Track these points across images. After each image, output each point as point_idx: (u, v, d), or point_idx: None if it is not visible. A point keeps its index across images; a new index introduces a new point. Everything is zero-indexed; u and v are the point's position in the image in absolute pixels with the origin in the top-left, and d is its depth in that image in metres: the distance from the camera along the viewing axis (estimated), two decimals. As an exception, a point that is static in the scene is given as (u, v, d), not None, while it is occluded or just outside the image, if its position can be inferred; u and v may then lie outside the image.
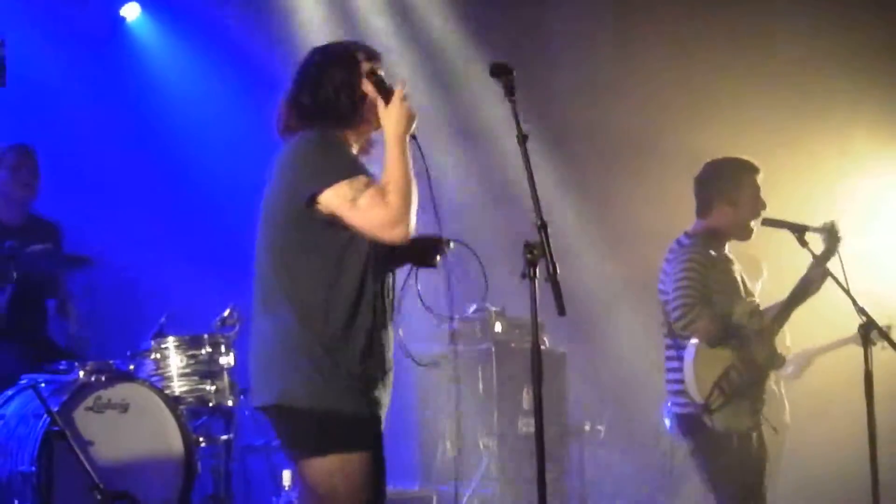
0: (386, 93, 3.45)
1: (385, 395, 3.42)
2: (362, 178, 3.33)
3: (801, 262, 4.77)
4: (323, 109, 3.46)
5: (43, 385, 4.90)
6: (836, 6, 7.91)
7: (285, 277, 3.35)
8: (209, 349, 5.57)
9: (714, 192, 4.86)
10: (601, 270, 8.08)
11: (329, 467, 3.30)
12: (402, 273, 3.56)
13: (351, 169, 3.34)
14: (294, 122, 3.50)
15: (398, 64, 7.52)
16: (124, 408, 5.01)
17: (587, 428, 7.14)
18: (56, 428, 4.58)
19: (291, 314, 3.32)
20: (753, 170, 4.88)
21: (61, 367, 5.21)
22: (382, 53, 3.57)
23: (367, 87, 3.48)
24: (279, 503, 5.93)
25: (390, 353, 3.44)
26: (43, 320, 5.76)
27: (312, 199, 3.31)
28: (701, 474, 4.84)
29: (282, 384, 3.33)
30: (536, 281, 3.21)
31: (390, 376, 3.44)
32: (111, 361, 5.25)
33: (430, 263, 3.56)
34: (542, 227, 3.22)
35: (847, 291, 4.46)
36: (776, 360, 4.81)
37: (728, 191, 4.84)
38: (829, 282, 4.63)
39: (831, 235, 4.68)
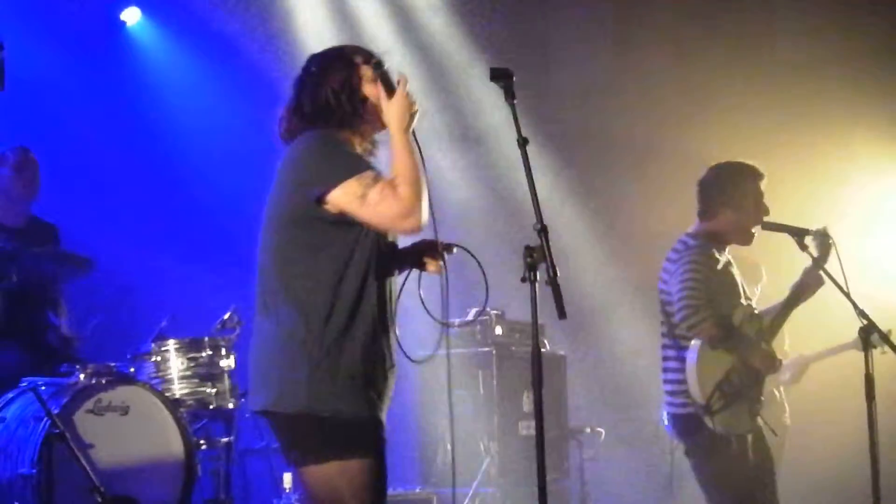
0: (389, 86, 3.46)
1: (386, 396, 3.41)
2: (370, 174, 3.32)
3: (800, 266, 4.78)
4: (324, 112, 3.46)
5: (43, 387, 4.90)
6: (836, 8, 7.91)
7: (289, 278, 3.35)
8: (210, 352, 5.57)
9: (717, 197, 4.86)
10: (601, 274, 8.08)
11: (328, 473, 3.29)
12: (402, 276, 3.56)
13: (357, 165, 3.34)
14: (295, 127, 3.50)
15: (398, 68, 7.52)
16: (125, 410, 5.01)
17: (587, 430, 7.14)
18: (56, 430, 4.59)
19: (292, 315, 3.31)
20: (757, 175, 4.87)
21: (62, 370, 5.21)
22: (383, 54, 3.57)
23: (368, 88, 3.49)
24: (279, 505, 5.94)
25: (392, 354, 3.44)
26: (44, 323, 5.76)
27: (321, 198, 3.31)
28: (697, 476, 4.84)
29: (279, 388, 3.32)
30: (537, 284, 3.21)
31: (392, 377, 3.44)
32: (111, 364, 5.26)
33: (432, 268, 3.56)
34: (543, 230, 3.22)
35: (847, 294, 4.45)
36: (773, 364, 4.82)
37: (731, 195, 4.83)
38: (829, 286, 4.63)
39: (823, 241, 4.69)
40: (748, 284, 5.28)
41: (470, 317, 5.76)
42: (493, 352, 6.86)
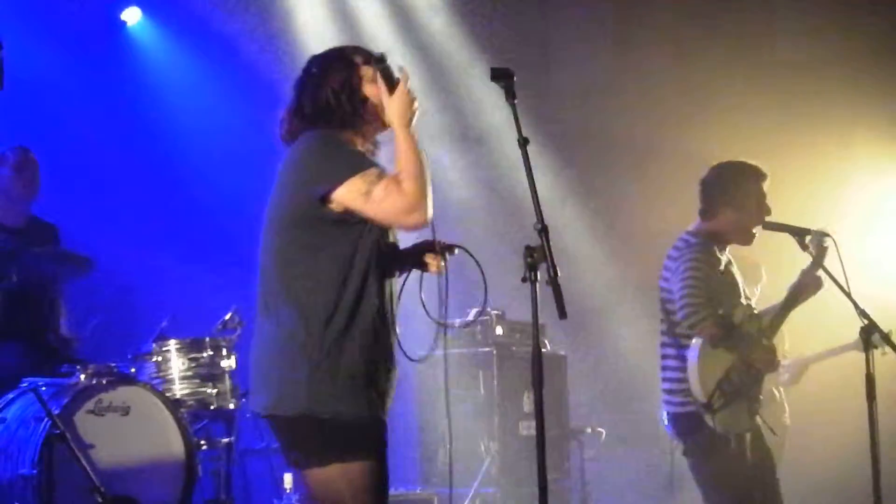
0: (390, 82, 3.46)
1: (388, 396, 3.41)
2: (374, 170, 3.33)
3: (800, 266, 4.77)
4: (324, 113, 3.46)
5: (44, 388, 4.90)
6: (836, 8, 7.91)
7: (289, 279, 3.35)
8: (210, 352, 5.57)
9: (719, 196, 4.85)
10: (602, 274, 8.09)
11: (330, 475, 3.29)
12: (403, 276, 3.56)
13: (360, 163, 3.35)
14: (296, 128, 3.50)
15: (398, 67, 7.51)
16: (125, 411, 5.01)
17: (588, 430, 7.15)
18: (57, 431, 4.59)
19: (293, 316, 3.31)
20: (760, 176, 4.87)
21: (62, 370, 5.21)
22: (384, 53, 3.57)
23: (369, 88, 3.49)
24: (280, 506, 5.94)
25: (394, 354, 3.43)
26: (44, 323, 5.75)
27: (325, 197, 3.30)
28: (695, 475, 4.84)
29: (279, 390, 3.32)
30: (537, 284, 3.21)
31: (393, 377, 3.43)
32: (112, 364, 5.26)
33: (433, 268, 3.56)
34: (543, 230, 3.22)
35: (848, 294, 4.45)
36: (772, 363, 4.82)
37: (733, 195, 4.83)
38: (829, 286, 4.62)
39: (819, 242, 4.69)
40: (748, 284, 5.28)
41: (470, 317, 5.77)
42: (494, 352, 6.87)
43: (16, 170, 5.64)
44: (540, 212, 3.24)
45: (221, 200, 7.32)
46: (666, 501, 6.86)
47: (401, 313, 3.48)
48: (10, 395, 5.03)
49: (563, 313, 3.15)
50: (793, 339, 6.65)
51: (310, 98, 3.49)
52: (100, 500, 4.42)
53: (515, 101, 3.36)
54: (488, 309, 6.91)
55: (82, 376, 5.03)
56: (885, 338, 4.45)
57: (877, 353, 4.43)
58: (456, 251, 3.58)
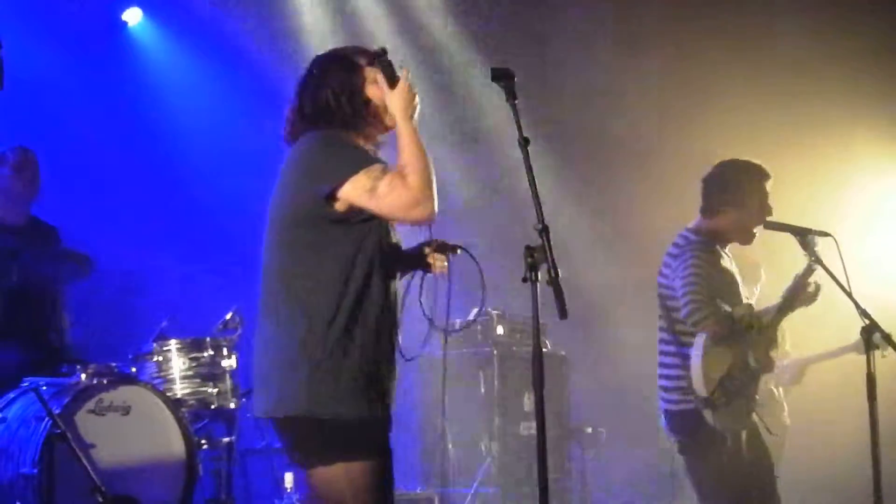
0: (392, 77, 3.46)
1: (390, 396, 3.41)
2: (377, 166, 3.33)
3: (800, 266, 4.77)
4: (324, 114, 3.47)
5: (44, 388, 4.90)
6: (836, 8, 7.91)
7: (290, 279, 3.35)
8: (211, 352, 5.58)
9: (721, 194, 4.85)
10: (603, 273, 8.08)
11: (332, 475, 3.29)
12: (405, 277, 3.56)
13: (363, 159, 3.35)
14: (298, 128, 3.50)
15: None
16: (126, 410, 5.02)
17: (589, 430, 7.15)
18: (58, 430, 4.59)
19: (293, 316, 3.31)
20: (763, 175, 4.87)
21: (63, 370, 5.21)
22: (384, 47, 3.57)
23: (372, 90, 3.49)
24: (280, 506, 5.94)
25: (395, 353, 3.43)
26: (45, 322, 5.76)
27: (330, 195, 3.30)
28: (691, 473, 4.83)
29: (279, 392, 3.31)
30: (538, 284, 3.21)
31: (395, 377, 3.43)
32: (113, 364, 5.26)
33: (436, 269, 3.56)
34: (544, 230, 3.22)
35: (849, 294, 4.45)
36: (769, 365, 4.83)
37: (735, 194, 4.83)
38: (830, 287, 4.62)
39: (809, 250, 4.70)
40: (747, 284, 5.28)
41: (470, 317, 5.77)
42: (495, 351, 6.88)
43: (16, 170, 5.65)
44: (540, 212, 3.23)
45: (222, 200, 7.32)
46: (666, 501, 6.86)
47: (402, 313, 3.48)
48: (11, 395, 5.04)
49: (563, 313, 3.15)
50: (794, 339, 6.65)
51: (310, 99, 3.50)
52: (100, 499, 4.42)
53: (516, 102, 3.36)
54: (489, 309, 6.93)
55: (83, 376, 5.03)
56: (887, 337, 4.45)
57: (877, 354, 4.43)
58: (458, 251, 3.58)
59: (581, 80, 8.49)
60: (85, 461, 4.54)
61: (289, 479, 5.90)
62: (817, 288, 4.78)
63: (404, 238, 3.56)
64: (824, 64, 7.76)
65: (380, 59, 3.49)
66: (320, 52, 3.62)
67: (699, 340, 4.65)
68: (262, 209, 3.48)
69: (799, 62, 7.88)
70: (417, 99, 3.48)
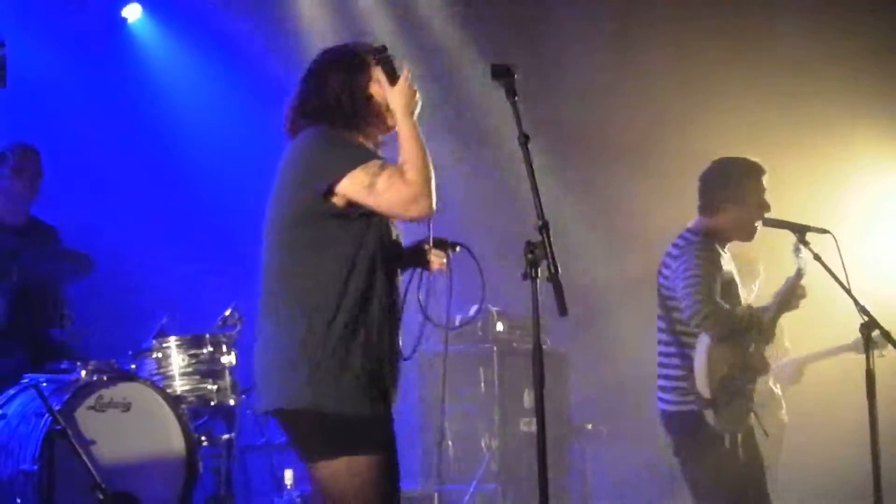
0: (392, 74, 3.46)
1: (393, 392, 3.41)
2: (376, 162, 3.33)
3: (794, 268, 4.78)
4: (325, 110, 3.46)
5: (45, 384, 4.90)
6: (836, 8, 7.91)
7: (290, 278, 3.34)
8: (211, 348, 5.57)
9: (719, 191, 4.85)
10: (603, 270, 8.09)
11: (336, 469, 3.29)
12: (406, 274, 3.56)
13: (362, 155, 3.34)
14: (299, 122, 3.50)
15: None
16: (126, 407, 5.02)
17: (589, 427, 7.15)
18: (58, 427, 4.58)
19: (293, 316, 3.31)
20: (760, 171, 4.87)
21: (63, 367, 5.21)
22: (385, 44, 3.57)
23: (375, 88, 3.49)
24: (280, 503, 5.93)
25: (398, 351, 3.43)
26: (45, 320, 5.76)
27: (329, 191, 3.30)
28: (688, 474, 4.82)
29: (287, 387, 3.30)
30: (538, 281, 3.21)
31: (398, 374, 3.43)
32: (113, 360, 5.26)
33: (436, 266, 3.56)
34: (544, 227, 3.21)
35: (849, 291, 4.45)
36: (767, 366, 4.84)
37: (734, 190, 4.82)
38: (830, 285, 4.62)
39: (797, 255, 4.72)
40: (745, 281, 5.28)
41: (470, 314, 5.77)
42: (495, 348, 6.88)
43: (16, 170, 5.64)
44: (541, 208, 3.23)
45: (222, 197, 7.33)
46: (667, 498, 6.86)
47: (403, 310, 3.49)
48: (11, 391, 5.04)
49: (563, 310, 3.13)
50: (793, 338, 6.66)
51: (312, 95, 3.50)
52: (100, 496, 4.41)
53: (516, 99, 3.36)
54: (489, 306, 6.93)
55: (83, 372, 5.03)
56: (886, 335, 4.45)
57: (876, 355, 4.42)
58: (458, 249, 3.58)
59: (580, 79, 8.49)
60: (85, 458, 4.53)
61: (289, 475, 5.90)
62: (804, 291, 4.80)
63: (404, 235, 3.56)
64: (824, 64, 7.76)
65: (380, 56, 3.49)
66: (326, 46, 3.62)
67: (702, 341, 4.65)
68: (262, 206, 3.48)
69: (799, 62, 7.88)
70: (419, 96, 3.48)
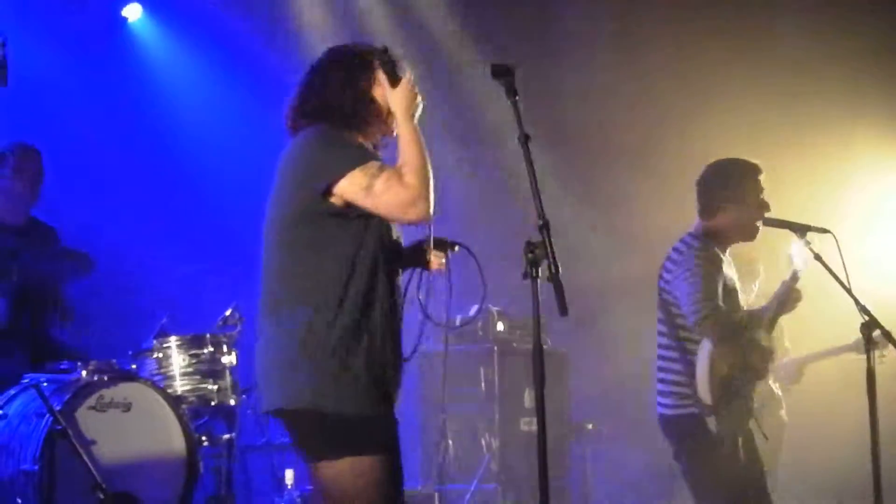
0: (395, 75, 3.46)
1: (394, 394, 3.41)
2: (375, 163, 3.32)
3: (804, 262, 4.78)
4: (328, 108, 3.46)
5: (45, 384, 4.89)
6: (836, 8, 7.91)
7: (290, 278, 3.34)
8: (211, 348, 5.57)
9: (719, 193, 4.84)
10: (603, 270, 8.09)
11: (340, 470, 3.28)
12: (406, 274, 3.56)
13: (360, 156, 3.34)
14: (300, 121, 3.50)
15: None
16: (127, 407, 5.01)
17: (589, 427, 7.15)
18: (58, 427, 4.58)
19: (296, 316, 3.30)
20: (756, 170, 4.87)
21: (63, 367, 5.21)
22: (387, 46, 3.57)
23: (377, 90, 3.48)
24: (281, 502, 5.93)
25: (400, 350, 3.43)
26: (45, 320, 5.76)
27: (327, 190, 3.30)
28: (690, 478, 4.82)
29: (287, 387, 3.30)
30: (538, 280, 3.20)
31: (400, 375, 3.43)
32: (113, 361, 5.25)
33: (436, 266, 3.56)
34: (544, 226, 3.21)
35: (849, 290, 4.45)
36: (767, 370, 4.85)
37: (733, 190, 4.82)
38: (831, 285, 4.62)
39: (791, 258, 4.72)
40: (745, 281, 5.28)
41: (471, 314, 5.78)
42: (495, 348, 6.89)
43: (16, 171, 5.64)
44: (541, 208, 3.23)
45: (223, 197, 7.34)
46: (667, 498, 6.87)
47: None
48: (12, 392, 5.04)
49: (563, 310, 3.13)
50: (793, 338, 6.66)
51: (313, 94, 3.49)
52: (101, 496, 4.41)
53: (517, 98, 3.35)
54: (489, 306, 6.94)
55: (83, 372, 5.03)
56: (887, 334, 4.45)
57: (876, 356, 4.42)
58: (457, 248, 3.58)
59: (581, 79, 8.49)
60: (86, 458, 4.53)
61: (289, 475, 5.90)
62: (800, 294, 4.81)
63: (403, 235, 3.56)
64: (824, 64, 7.77)
65: (382, 57, 3.48)
66: (330, 46, 3.61)
67: (704, 347, 4.65)
68: (262, 205, 3.48)
69: (799, 62, 7.88)
70: (420, 98, 3.48)
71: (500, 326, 7.02)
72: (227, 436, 5.63)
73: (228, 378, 5.60)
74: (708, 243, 4.77)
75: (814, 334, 6.69)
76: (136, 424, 5.01)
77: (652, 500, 7.30)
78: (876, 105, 7.76)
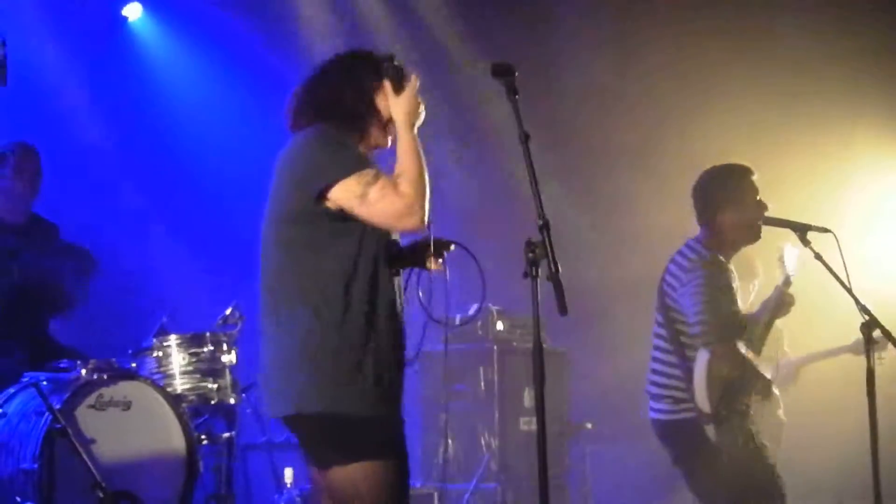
0: (399, 83, 3.46)
1: (400, 393, 3.40)
2: (370, 171, 3.31)
3: (801, 263, 4.78)
4: (329, 108, 3.46)
5: (45, 383, 4.89)
6: (836, 8, 7.91)
7: (293, 277, 3.33)
8: (211, 347, 5.56)
9: (719, 193, 4.85)
10: (603, 270, 8.09)
11: (351, 475, 3.27)
12: (404, 274, 3.56)
13: (356, 163, 3.33)
14: (301, 119, 3.50)
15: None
16: (126, 406, 5.01)
17: (589, 426, 7.15)
18: (58, 426, 4.57)
19: (296, 315, 3.30)
20: (749, 171, 4.89)
21: (62, 365, 5.21)
22: (393, 54, 3.57)
23: (381, 98, 3.47)
24: (281, 501, 5.93)
25: (403, 351, 3.43)
26: (45, 318, 5.76)
27: (322, 195, 3.29)
28: (692, 482, 4.82)
29: (292, 391, 3.28)
30: (538, 280, 3.21)
31: (403, 374, 3.42)
32: (113, 359, 5.25)
33: (434, 266, 3.56)
34: (544, 225, 3.21)
35: (849, 290, 4.45)
36: (768, 393, 4.86)
37: (732, 191, 4.83)
38: (831, 285, 4.62)
39: (783, 263, 4.73)
40: (744, 281, 5.28)
41: (470, 313, 5.78)
42: (495, 348, 6.89)
43: (17, 170, 5.64)
44: (541, 207, 3.23)
45: (223, 195, 7.33)
46: (667, 497, 6.86)
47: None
48: (12, 390, 5.03)
49: (563, 309, 3.13)
50: (793, 338, 6.66)
51: (315, 93, 3.50)
52: (101, 495, 4.41)
53: (517, 97, 3.35)
54: (489, 305, 6.93)
55: (83, 371, 5.02)
56: (887, 334, 4.45)
57: (875, 358, 4.42)
58: (452, 247, 3.58)
59: (581, 80, 8.49)
60: (85, 456, 4.52)
61: (289, 474, 5.90)
62: (793, 299, 4.82)
63: (400, 235, 3.56)
64: (824, 64, 7.77)
65: (387, 64, 3.48)
66: (337, 52, 3.60)
67: (702, 355, 4.65)
68: (262, 204, 3.48)
69: (799, 62, 7.88)
70: (422, 108, 3.47)
71: (499, 326, 7.02)
72: (226, 434, 5.62)
73: (228, 377, 5.59)
74: (716, 252, 4.77)
75: (814, 334, 6.70)
76: (135, 423, 5.00)
77: (652, 500, 7.29)
78: (876, 105, 7.76)
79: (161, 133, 7.55)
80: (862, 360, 4.42)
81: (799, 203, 6.37)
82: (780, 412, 6.57)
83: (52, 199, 5.91)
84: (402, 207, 3.29)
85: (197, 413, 5.54)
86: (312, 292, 3.30)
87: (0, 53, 4.31)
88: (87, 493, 4.45)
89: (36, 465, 4.68)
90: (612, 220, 8.30)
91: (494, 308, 6.99)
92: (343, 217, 3.32)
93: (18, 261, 5.34)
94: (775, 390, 6.57)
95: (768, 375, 4.86)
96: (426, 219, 3.34)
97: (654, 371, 4.84)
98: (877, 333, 4.42)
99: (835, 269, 4.50)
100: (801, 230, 4.68)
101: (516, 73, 3.37)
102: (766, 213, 4.83)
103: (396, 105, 3.43)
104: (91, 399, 4.93)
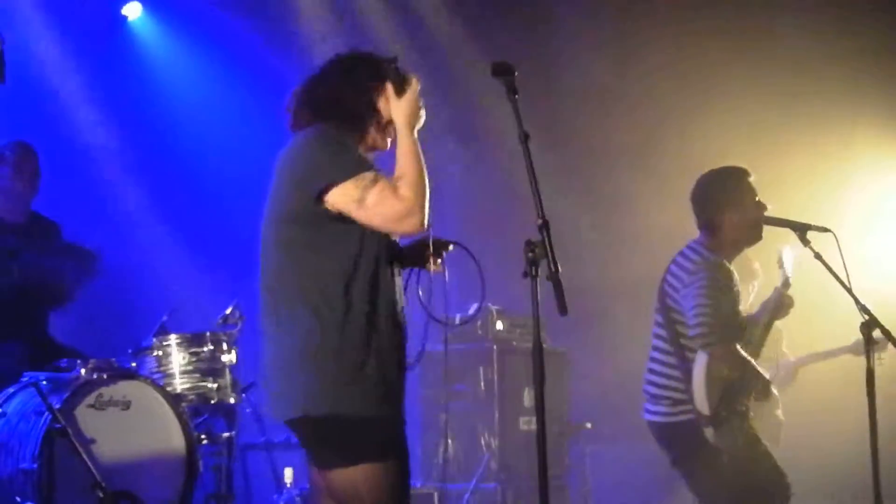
0: (400, 86, 3.45)
1: (402, 394, 3.40)
2: (369, 175, 3.30)
3: (796, 262, 4.79)
4: (330, 108, 3.45)
5: (44, 382, 4.89)
6: (836, 8, 7.92)
7: (293, 277, 3.33)
8: (211, 347, 5.56)
9: (718, 200, 4.85)
10: (603, 270, 8.09)
11: (354, 476, 3.26)
12: (403, 274, 3.56)
13: (356, 166, 3.32)
14: (302, 118, 3.50)
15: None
16: (126, 405, 5.00)
17: (589, 426, 7.15)
18: (58, 425, 4.57)
19: (296, 315, 3.29)
20: (746, 173, 4.91)
21: (62, 365, 5.21)
22: (396, 56, 3.57)
23: (382, 101, 3.47)
24: (281, 501, 5.93)
25: (405, 351, 3.42)
26: (45, 318, 5.76)
27: (320, 196, 3.29)
28: (693, 483, 4.82)
29: (306, 395, 3.27)
30: (538, 280, 3.21)
31: (405, 374, 3.42)
32: (113, 359, 5.25)
33: (433, 266, 3.56)
34: (544, 225, 3.21)
35: (849, 290, 4.45)
36: (768, 396, 4.87)
37: (732, 192, 4.84)
38: (832, 286, 4.62)
39: (782, 266, 4.74)
40: (744, 281, 5.28)
41: (470, 312, 5.78)
42: (494, 347, 6.88)
43: (16, 169, 5.64)
44: (541, 207, 3.23)
45: (223, 195, 7.34)
46: (667, 497, 6.86)
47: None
48: (11, 390, 5.02)
49: (563, 309, 3.13)
50: (793, 338, 6.66)
51: (316, 93, 3.49)
52: (101, 494, 4.40)
53: (517, 97, 3.35)
54: (489, 305, 6.93)
55: (83, 371, 5.01)
56: (887, 333, 4.45)
57: (875, 359, 4.42)
58: (451, 247, 3.58)
59: (581, 79, 8.49)
60: (85, 456, 4.52)
61: (289, 474, 5.90)
62: (792, 301, 4.82)
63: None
64: (824, 64, 7.77)
65: (389, 66, 3.48)
66: (342, 51, 3.60)
67: (700, 358, 4.66)
68: (262, 204, 3.47)
69: (799, 62, 7.88)
70: (423, 112, 3.47)
71: (499, 325, 7.02)
72: (226, 434, 5.62)
73: (228, 376, 5.59)
74: (719, 256, 4.78)
75: (814, 334, 6.70)
76: (135, 423, 5.00)
77: (652, 500, 7.29)
78: (876, 105, 7.76)
79: (161, 133, 7.55)
80: (862, 360, 4.42)
81: (799, 203, 6.37)
82: (779, 412, 6.57)
83: (52, 198, 5.91)
84: (401, 210, 3.28)
85: (197, 413, 5.54)
86: (312, 292, 3.29)
87: (-1, 51, 4.30)
88: (86, 492, 4.44)
89: (35, 465, 4.67)
90: (612, 220, 8.30)
91: (494, 308, 6.99)
92: (343, 217, 3.31)
93: (18, 260, 5.34)
94: (774, 390, 6.58)
95: (767, 376, 4.86)
96: (426, 221, 3.34)
97: (653, 371, 4.84)
98: (877, 333, 4.42)
99: (835, 269, 4.50)
100: (801, 230, 4.68)
101: (516, 73, 3.37)
102: (766, 213, 4.83)
103: (397, 107, 3.43)
104: (91, 399, 4.92)
